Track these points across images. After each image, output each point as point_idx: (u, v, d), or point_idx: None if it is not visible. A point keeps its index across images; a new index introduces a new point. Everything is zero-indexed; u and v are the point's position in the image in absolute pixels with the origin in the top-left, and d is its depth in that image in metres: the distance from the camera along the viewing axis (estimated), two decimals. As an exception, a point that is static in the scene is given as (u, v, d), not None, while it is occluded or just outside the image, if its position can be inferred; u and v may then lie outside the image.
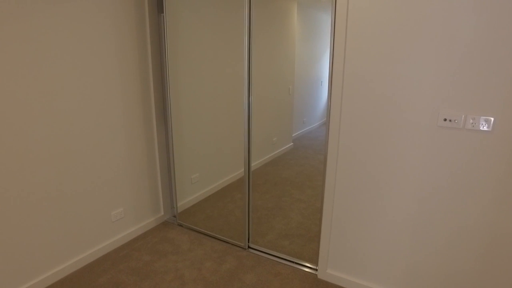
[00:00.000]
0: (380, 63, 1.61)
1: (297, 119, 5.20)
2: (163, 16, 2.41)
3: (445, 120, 1.50)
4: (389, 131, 1.66)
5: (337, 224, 1.95)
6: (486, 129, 1.42)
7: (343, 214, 1.92)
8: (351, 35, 1.67)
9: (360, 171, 1.79)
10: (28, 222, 1.86)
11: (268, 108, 4.11)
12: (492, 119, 1.40)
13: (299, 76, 5.09)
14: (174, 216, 2.80)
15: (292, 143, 4.88)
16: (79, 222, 2.13)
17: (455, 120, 1.47)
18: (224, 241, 2.48)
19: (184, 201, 2.89)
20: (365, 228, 1.86)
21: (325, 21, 6.06)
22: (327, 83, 6.42)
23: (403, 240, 1.76)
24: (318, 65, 5.84)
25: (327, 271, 2.06)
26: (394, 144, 1.66)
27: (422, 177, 1.62)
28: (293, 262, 2.23)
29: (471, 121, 1.44)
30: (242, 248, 2.40)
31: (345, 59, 1.72)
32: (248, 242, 2.42)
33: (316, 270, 2.13)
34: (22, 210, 1.83)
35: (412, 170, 1.64)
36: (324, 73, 6.41)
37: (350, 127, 1.77)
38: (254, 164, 4.04)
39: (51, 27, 1.81)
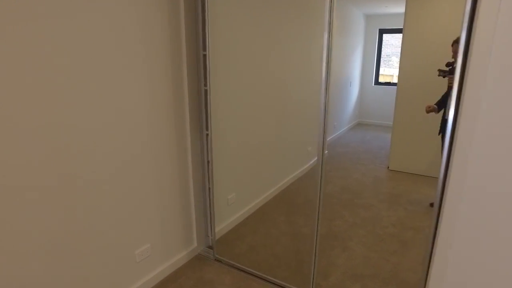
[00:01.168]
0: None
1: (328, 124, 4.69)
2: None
3: None
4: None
5: (457, 278, 1.42)
6: None
7: (469, 263, 1.39)
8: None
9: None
10: (29, 270, 1.33)
11: (302, 113, 3.58)
12: None
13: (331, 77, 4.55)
14: (210, 247, 2.27)
15: (326, 151, 4.36)
16: (95, 268, 1.59)
17: None
18: (280, 286, 1.95)
19: (219, 227, 2.36)
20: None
21: (357, 16, 5.48)
22: (357, 83, 5.83)
23: None
24: (347, 64, 5.30)
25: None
26: None
27: None
28: (375, 317, 1.71)
29: None
30: (304, 295, 1.87)
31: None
32: (312, 287, 1.89)
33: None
34: (21, 253, 1.29)
35: None
36: (353, 73, 5.86)
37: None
38: (289, 178, 3.50)
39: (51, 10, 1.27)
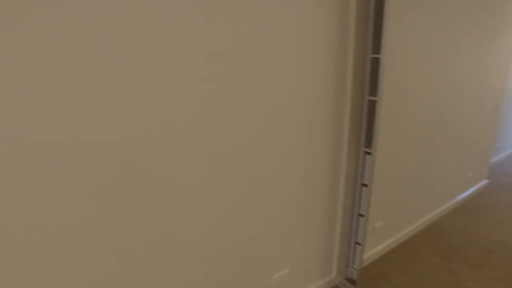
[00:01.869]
0: None
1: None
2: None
3: None
4: None
5: None
6: None
7: None
8: None
9: None
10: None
11: (467, 132, 2.87)
12: None
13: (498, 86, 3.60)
14: (348, 280, 1.96)
15: (486, 180, 3.47)
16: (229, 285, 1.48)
17: None
18: None
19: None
20: None
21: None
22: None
23: None
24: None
25: None
26: None
27: None
28: None
29: None
30: None
31: None
32: None
33: None
34: (147, 275, 1.25)
35: None
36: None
37: None
38: (442, 209, 2.87)
39: None
